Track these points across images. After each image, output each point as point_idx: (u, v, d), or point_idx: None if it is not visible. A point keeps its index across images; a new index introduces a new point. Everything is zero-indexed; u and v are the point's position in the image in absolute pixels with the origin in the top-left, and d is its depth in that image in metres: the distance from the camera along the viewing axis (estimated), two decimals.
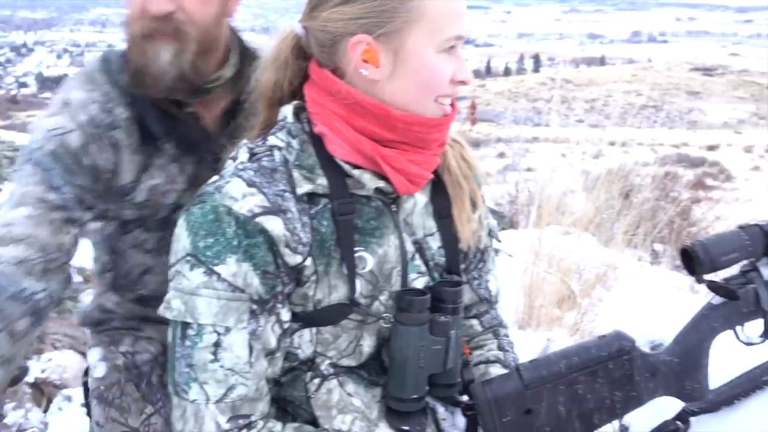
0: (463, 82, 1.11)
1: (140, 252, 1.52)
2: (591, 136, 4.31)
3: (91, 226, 1.54)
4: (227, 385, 1.02)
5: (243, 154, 1.11)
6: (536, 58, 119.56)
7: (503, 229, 5.14)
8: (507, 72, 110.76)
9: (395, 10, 1.05)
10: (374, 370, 1.17)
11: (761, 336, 1.21)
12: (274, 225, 1.03)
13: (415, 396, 1.10)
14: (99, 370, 1.60)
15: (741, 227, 1.18)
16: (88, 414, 1.64)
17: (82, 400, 2.83)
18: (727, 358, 1.29)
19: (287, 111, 1.12)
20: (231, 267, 1.01)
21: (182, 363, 1.03)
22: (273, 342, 1.07)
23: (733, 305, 1.19)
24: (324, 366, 1.12)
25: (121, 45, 1.47)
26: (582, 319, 3.19)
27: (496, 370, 1.26)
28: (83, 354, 3.60)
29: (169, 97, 1.38)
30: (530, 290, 3.25)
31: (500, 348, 1.31)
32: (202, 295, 1.01)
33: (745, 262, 1.21)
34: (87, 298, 3.10)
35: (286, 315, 1.08)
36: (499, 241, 1.34)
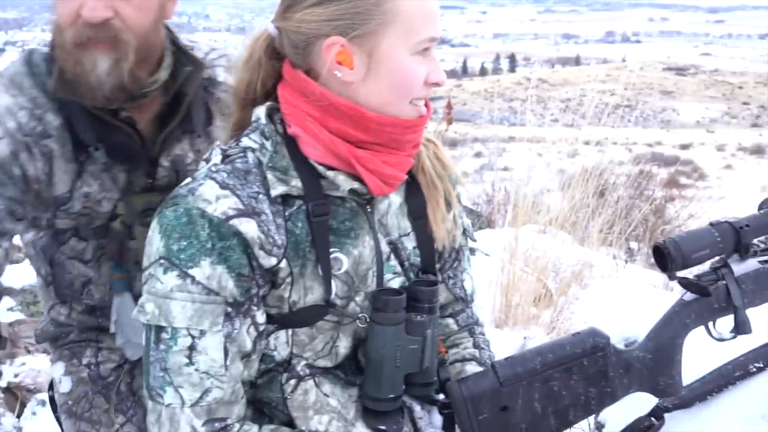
0: (437, 84, 1.11)
1: (79, 262, 1.49)
2: (566, 135, 4.35)
3: (25, 238, 1.51)
4: (203, 389, 1.01)
5: (216, 156, 1.09)
6: (512, 58, 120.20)
7: (480, 228, 5.16)
8: (483, 72, 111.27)
9: (369, 12, 1.04)
10: (350, 371, 1.17)
11: (732, 332, 1.22)
12: (249, 227, 1.03)
13: (391, 395, 1.11)
14: (64, 385, 1.57)
15: (712, 224, 1.20)
16: (60, 426, 1.62)
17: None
18: (700, 354, 1.31)
19: (260, 112, 1.11)
20: (205, 270, 1.01)
21: (157, 367, 1.02)
22: (248, 345, 1.06)
23: (705, 301, 1.21)
24: (300, 367, 1.12)
25: (41, 46, 1.40)
26: (558, 317, 3.22)
27: (472, 368, 1.27)
28: None
29: (105, 106, 1.32)
30: (507, 289, 3.27)
31: (476, 346, 1.32)
32: (177, 298, 1.00)
33: (716, 258, 1.22)
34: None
35: (261, 317, 1.07)
36: (474, 240, 1.34)
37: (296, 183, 1.08)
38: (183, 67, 1.42)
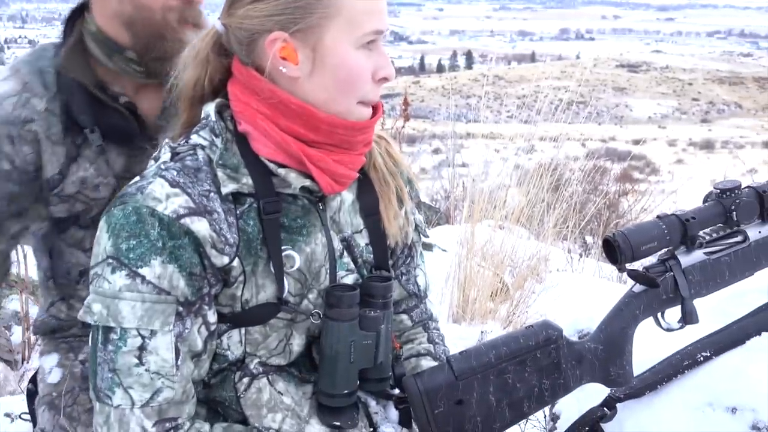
0: (385, 79, 1.10)
1: (79, 251, 1.50)
2: (523, 131, 4.39)
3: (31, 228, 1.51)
4: (153, 389, 1.00)
5: (165, 154, 1.08)
6: (468, 55, 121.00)
7: (438, 224, 5.19)
8: (440, 69, 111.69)
9: (311, 6, 1.04)
10: (305, 368, 1.17)
11: (680, 322, 1.25)
12: (200, 226, 1.02)
13: (346, 391, 1.11)
14: (54, 375, 1.57)
15: (659, 217, 1.22)
16: (33, 420, 1.61)
17: (6, 409, 2.73)
18: (650, 344, 1.34)
19: (210, 109, 1.10)
20: (156, 269, 0.99)
21: (105, 368, 1.00)
22: (199, 344, 1.05)
23: (654, 293, 1.24)
24: (253, 365, 1.11)
25: (43, 40, 1.42)
26: (515, 311, 3.26)
27: (427, 363, 1.28)
28: (7, 362, 3.46)
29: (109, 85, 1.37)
30: (464, 284, 3.29)
31: (430, 341, 1.33)
32: (126, 298, 0.99)
33: (664, 250, 1.25)
34: (10, 304, 2.99)
35: (212, 317, 1.06)
36: (426, 236, 1.35)
37: (247, 180, 1.07)
38: None
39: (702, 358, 1.29)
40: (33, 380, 1.64)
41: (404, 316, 1.33)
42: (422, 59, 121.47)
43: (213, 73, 1.12)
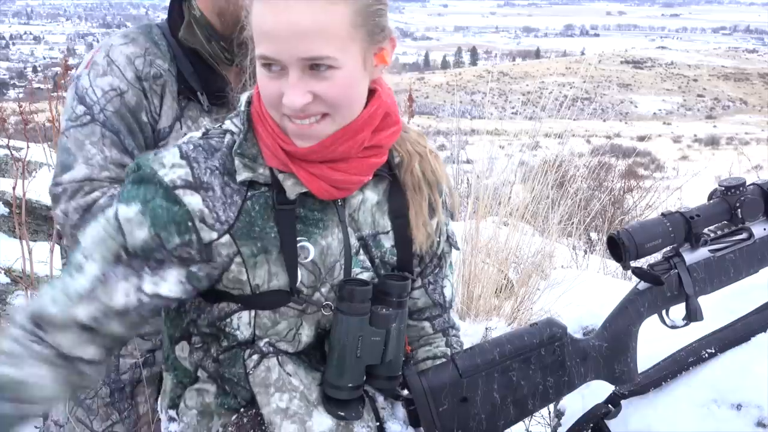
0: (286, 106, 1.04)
1: None
2: (527, 127, 4.38)
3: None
4: (62, 301, 1.06)
5: (198, 132, 1.13)
6: (473, 52, 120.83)
7: None
8: (445, 65, 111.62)
9: (246, 17, 1.06)
10: (315, 359, 1.18)
11: (685, 319, 1.25)
12: (192, 199, 1.05)
13: (351, 384, 1.12)
14: None
15: (663, 215, 1.22)
16: (43, 417, 1.66)
17: None
18: (655, 341, 1.34)
19: (243, 98, 1.13)
20: (128, 211, 1.05)
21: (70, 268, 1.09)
22: (118, 301, 1.06)
23: (658, 290, 1.24)
24: (263, 344, 1.13)
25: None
26: (519, 308, 3.25)
27: None
28: None
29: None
30: (469, 280, 3.29)
31: (448, 345, 1.32)
32: (98, 222, 1.07)
33: (668, 248, 1.25)
34: (16, 300, 2.99)
35: (150, 286, 1.07)
36: (458, 248, 1.34)
37: (264, 171, 1.10)
38: None
39: (707, 355, 1.29)
40: None
41: (426, 324, 1.33)
42: (427, 55, 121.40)
43: None
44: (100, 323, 1.06)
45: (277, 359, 1.13)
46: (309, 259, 1.12)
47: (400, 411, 1.21)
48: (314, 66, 1.01)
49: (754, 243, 1.29)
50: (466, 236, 3.37)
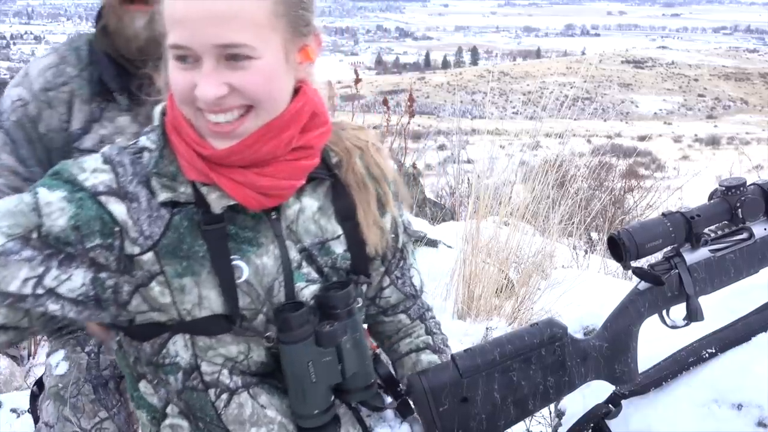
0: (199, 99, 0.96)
1: None
2: (528, 127, 4.38)
3: None
4: None
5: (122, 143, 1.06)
6: (474, 51, 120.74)
7: (443, 220, 5.19)
8: (445, 65, 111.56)
9: (160, 11, 0.98)
10: (281, 380, 1.10)
11: (685, 319, 1.25)
12: (116, 208, 0.98)
13: (316, 411, 1.06)
14: (60, 368, 1.63)
15: (664, 215, 1.22)
16: (35, 419, 1.68)
17: (12, 405, 2.75)
18: (655, 341, 1.34)
19: (156, 111, 1.06)
20: (51, 196, 0.96)
21: None
22: (14, 286, 0.93)
23: (659, 290, 1.23)
24: (230, 380, 1.07)
25: (49, 36, 1.59)
26: (520, 308, 3.25)
27: (427, 357, 1.25)
28: (14, 358, 3.47)
29: (135, 58, 1.54)
30: (469, 280, 3.29)
31: (428, 332, 1.29)
32: (10, 197, 0.98)
33: (668, 248, 1.25)
34: None
35: (50, 280, 0.95)
36: (414, 233, 1.32)
37: (185, 189, 1.02)
38: None
39: (707, 355, 1.29)
40: (38, 383, 1.69)
41: (402, 316, 1.30)
42: (427, 55, 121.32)
43: None
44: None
45: (249, 392, 1.07)
46: (243, 279, 1.03)
47: (388, 413, 1.17)
48: (230, 56, 0.94)
49: (754, 243, 1.29)
50: (467, 236, 3.37)
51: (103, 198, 0.98)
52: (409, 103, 5.33)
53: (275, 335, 1.06)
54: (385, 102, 5.40)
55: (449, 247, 4.02)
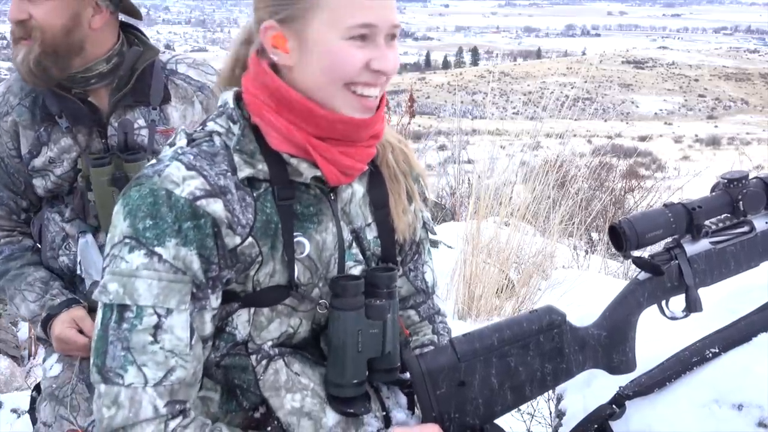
0: (380, 72, 1.08)
1: (60, 219, 1.71)
2: (528, 127, 4.38)
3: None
4: (167, 368, 1.00)
5: (181, 140, 1.10)
6: (474, 52, 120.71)
7: (444, 220, 5.19)
8: (446, 65, 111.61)
9: None
10: (315, 356, 1.17)
11: (684, 311, 1.25)
12: (216, 207, 1.04)
13: (355, 381, 1.11)
14: (54, 370, 1.67)
15: (665, 205, 1.22)
16: (33, 421, 1.69)
17: (12, 405, 2.76)
18: (658, 339, 1.33)
19: (228, 96, 1.12)
20: (171, 250, 1.01)
21: (118, 347, 1.00)
22: (208, 329, 1.06)
23: (658, 280, 1.23)
24: (267, 347, 1.12)
25: None
26: (520, 308, 3.26)
27: None
28: (14, 358, 3.47)
29: (60, 82, 1.64)
30: (470, 280, 3.29)
31: (435, 332, 1.33)
32: (143, 276, 1.00)
33: (669, 239, 1.25)
34: None
35: (215, 302, 1.07)
36: (434, 233, 1.36)
37: (262, 167, 1.09)
38: (133, 47, 1.71)
39: (710, 355, 1.28)
40: (37, 387, 1.73)
41: (412, 312, 1.34)
42: (428, 55, 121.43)
43: (244, 63, 1.15)
44: (206, 350, 1.07)
45: (284, 360, 1.12)
46: (305, 254, 1.11)
47: (403, 399, 1.22)
48: (394, 35, 1.09)
49: (755, 236, 1.28)
50: (467, 236, 3.37)
51: (202, 202, 1.03)
52: (409, 104, 5.34)
53: (330, 303, 1.13)
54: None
55: (450, 247, 4.02)
